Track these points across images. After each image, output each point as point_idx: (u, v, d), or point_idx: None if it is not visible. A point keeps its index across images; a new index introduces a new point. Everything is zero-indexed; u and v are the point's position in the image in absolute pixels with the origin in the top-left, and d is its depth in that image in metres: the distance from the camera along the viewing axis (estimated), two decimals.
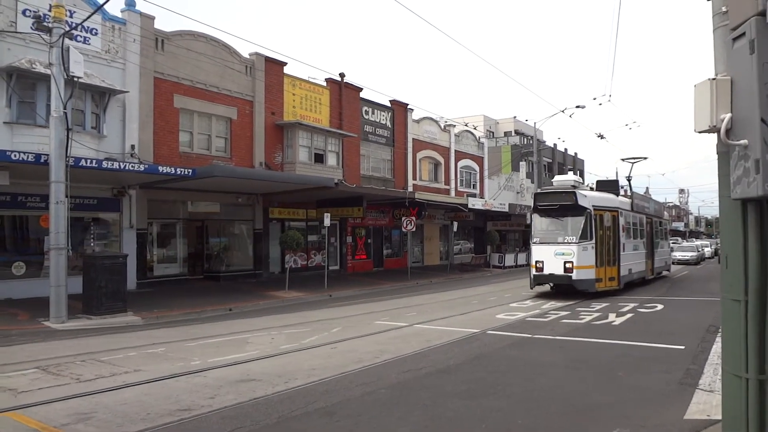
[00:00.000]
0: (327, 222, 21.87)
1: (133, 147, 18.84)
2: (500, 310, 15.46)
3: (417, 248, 34.29)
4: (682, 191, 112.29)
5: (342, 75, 28.00)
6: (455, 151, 37.42)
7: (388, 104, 31.75)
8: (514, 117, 58.41)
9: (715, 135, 4.23)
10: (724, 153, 4.33)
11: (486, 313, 14.83)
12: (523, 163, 45.38)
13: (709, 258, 46.35)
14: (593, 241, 17.58)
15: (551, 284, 18.71)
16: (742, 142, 3.93)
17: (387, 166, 31.76)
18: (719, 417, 4.80)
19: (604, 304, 15.99)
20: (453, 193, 36.32)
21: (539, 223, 18.77)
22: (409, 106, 33.11)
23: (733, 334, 4.22)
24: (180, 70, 20.55)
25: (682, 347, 9.82)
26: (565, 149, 59.60)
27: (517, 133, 58.79)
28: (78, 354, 9.56)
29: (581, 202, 17.74)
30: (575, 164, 61.20)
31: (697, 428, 5.64)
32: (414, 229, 27.81)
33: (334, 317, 14.41)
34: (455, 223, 32.77)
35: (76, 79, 13.47)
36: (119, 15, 18.98)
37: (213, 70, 21.65)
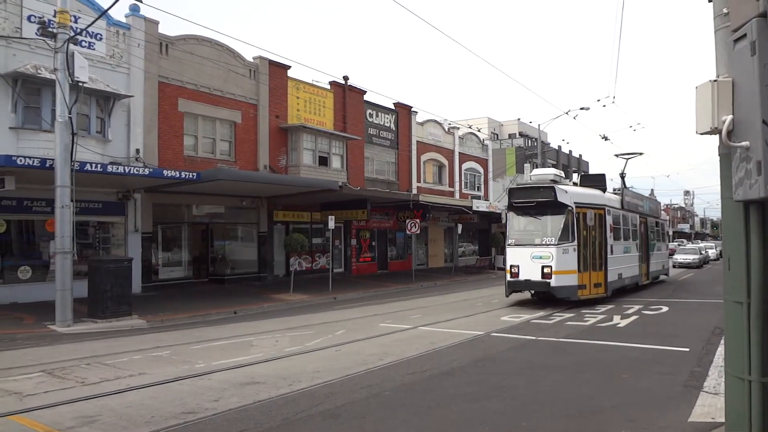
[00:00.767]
0: (331, 225, 21.90)
1: (137, 151, 18.92)
2: (505, 312, 15.44)
3: (421, 250, 34.29)
4: (687, 193, 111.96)
5: (346, 78, 28.06)
6: (459, 153, 37.41)
7: (392, 107, 31.80)
8: (518, 119, 58.46)
9: (717, 137, 4.23)
10: (725, 155, 4.34)
11: (490, 316, 14.81)
12: (527, 165, 45.32)
13: (714, 260, 45.87)
14: (575, 242, 15.83)
15: (532, 292, 17.02)
16: (743, 143, 3.93)
17: (391, 168, 31.77)
18: (724, 420, 4.79)
19: (609, 307, 15.96)
20: (457, 195, 36.31)
21: (515, 223, 17.00)
22: (413, 109, 33.14)
23: (736, 336, 4.21)
24: (184, 74, 20.64)
25: (687, 349, 9.79)
26: (570, 151, 59.54)
27: (521, 135, 58.80)
28: (83, 357, 9.60)
29: (561, 198, 15.97)
30: (579, 166, 61.10)
31: (702, 431, 5.62)
32: (418, 232, 27.81)
33: (339, 320, 14.43)
34: (460, 226, 32.77)
35: (81, 84, 13.56)
36: (123, 20, 19.08)
37: (217, 74, 21.72)
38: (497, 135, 57.91)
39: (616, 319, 13.70)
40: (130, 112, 18.89)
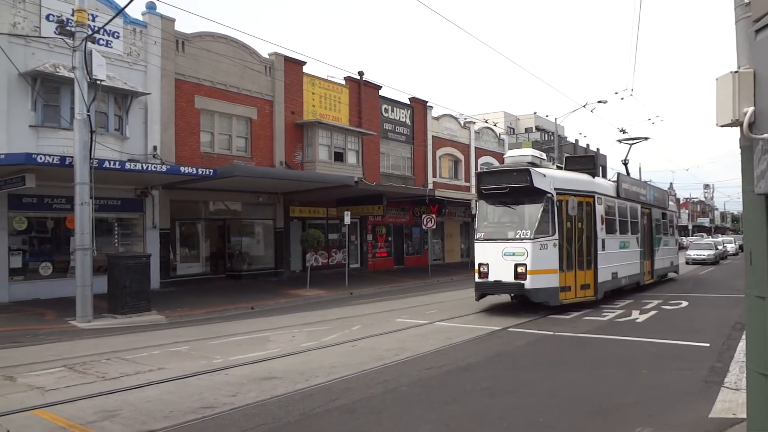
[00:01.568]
0: (347, 220, 21.94)
1: (155, 148, 19.08)
2: (521, 307, 15.34)
3: (437, 246, 34.23)
4: (707, 186, 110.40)
5: (361, 73, 28.04)
6: (475, 148, 37.23)
7: (408, 102, 31.74)
8: (535, 113, 57.96)
9: (738, 129, 4.15)
10: (747, 147, 4.26)
11: (507, 310, 14.73)
12: None
13: (733, 255, 44.61)
14: (556, 236, 13.59)
15: (512, 295, 14.62)
16: (765, 135, 3.85)
17: (407, 163, 31.73)
18: (745, 415, 4.72)
19: (628, 301, 15.82)
20: (473, 190, 36.11)
21: (485, 214, 14.76)
22: (428, 104, 33.06)
23: (758, 331, 4.14)
24: (200, 71, 20.76)
25: (707, 344, 9.68)
26: (587, 145, 59.01)
27: (537, 129, 58.34)
28: (103, 353, 9.72)
29: (538, 183, 13.63)
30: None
31: (723, 427, 5.55)
32: (434, 227, 27.74)
33: (355, 315, 14.45)
34: None
35: (99, 82, 13.67)
36: (140, 18, 19.24)
37: (233, 70, 21.82)
38: (513, 129, 57.54)
39: (635, 314, 13.57)
40: (147, 109, 19.06)
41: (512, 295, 14.49)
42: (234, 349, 9.90)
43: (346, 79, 27.47)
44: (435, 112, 33.91)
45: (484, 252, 14.23)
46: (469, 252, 36.55)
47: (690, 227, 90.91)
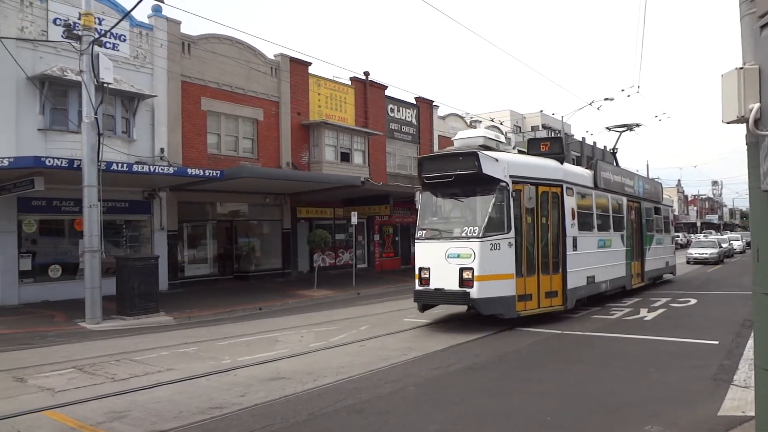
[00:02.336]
0: (354, 220, 21.96)
1: (162, 150, 19.17)
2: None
3: None
4: (715, 183, 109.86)
5: (366, 73, 28.04)
6: None
7: (414, 101, 31.72)
8: (541, 111, 57.80)
9: (744, 125, 4.14)
10: (753, 144, 4.24)
11: None
12: None
13: (740, 252, 43.41)
14: (511, 233, 11.36)
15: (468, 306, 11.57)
16: None
17: (413, 163, 31.64)
18: (754, 413, 4.70)
19: (636, 300, 15.76)
20: None
21: (428, 208, 12.46)
22: (434, 103, 33.05)
23: (766, 328, 4.13)
24: (206, 73, 20.83)
25: (716, 342, 9.63)
26: (594, 143, 58.74)
27: (544, 127, 58.15)
28: (112, 354, 9.78)
29: (489, 170, 11.32)
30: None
31: (732, 425, 5.52)
32: None
33: (363, 315, 14.47)
34: None
35: (106, 85, 13.76)
36: (146, 21, 19.33)
37: (239, 72, 21.88)
38: (520, 128, 57.38)
39: (643, 312, 13.52)
40: (154, 111, 19.15)
41: (468, 306, 11.59)
42: (242, 350, 9.93)
43: (352, 79, 27.49)
44: (441, 112, 33.89)
45: (425, 254, 11.98)
46: None
47: (698, 224, 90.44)
